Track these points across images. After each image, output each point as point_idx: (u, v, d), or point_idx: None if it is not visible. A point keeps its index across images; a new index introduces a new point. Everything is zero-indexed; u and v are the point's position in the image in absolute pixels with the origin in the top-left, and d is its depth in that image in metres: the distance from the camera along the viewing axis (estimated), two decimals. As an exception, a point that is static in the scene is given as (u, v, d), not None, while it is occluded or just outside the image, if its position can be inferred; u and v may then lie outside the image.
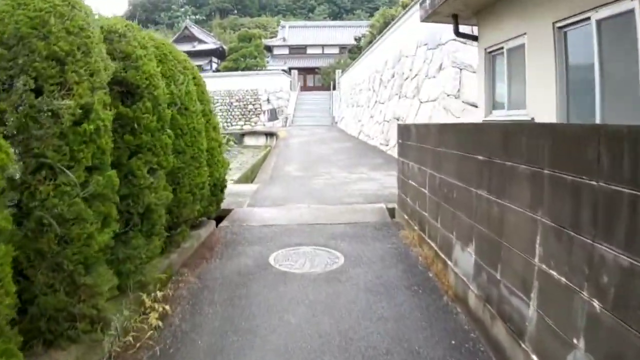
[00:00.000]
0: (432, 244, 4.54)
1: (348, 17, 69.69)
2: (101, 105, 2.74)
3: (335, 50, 48.16)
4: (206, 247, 5.26)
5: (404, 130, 5.78)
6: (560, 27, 4.37)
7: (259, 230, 5.79)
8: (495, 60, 6.09)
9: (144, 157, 3.37)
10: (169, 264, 4.42)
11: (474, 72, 11.83)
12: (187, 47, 49.25)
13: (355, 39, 38.64)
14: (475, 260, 3.31)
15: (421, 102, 12.85)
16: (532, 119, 4.78)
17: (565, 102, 4.36)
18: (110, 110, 3.00)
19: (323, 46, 51.15)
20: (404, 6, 19.61)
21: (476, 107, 11.78)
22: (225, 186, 5.78)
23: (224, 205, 7.02)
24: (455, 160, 3.70)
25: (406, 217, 5.73)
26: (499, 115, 5.93)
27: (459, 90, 11.51)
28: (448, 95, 11.44)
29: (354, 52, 36.42)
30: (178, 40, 50.83)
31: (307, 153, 15.04)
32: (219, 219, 6.43)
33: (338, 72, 36.81)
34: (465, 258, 3.54)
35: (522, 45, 5.15)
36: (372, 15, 49.73)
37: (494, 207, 2.92)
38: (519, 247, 2.54)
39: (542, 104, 4.68)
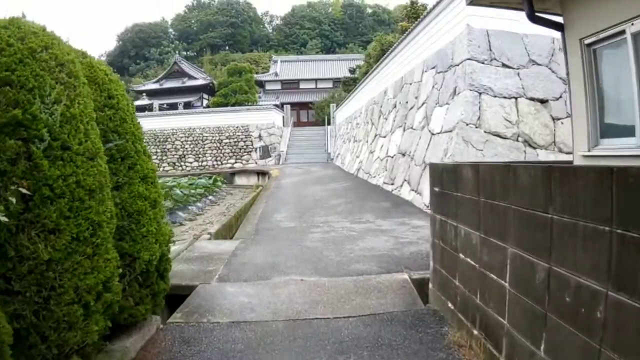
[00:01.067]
0: (521, 378, 2.53)
1: (341, 50, 69.23)
2: None
3: (329, 84, 47.14)
4: (134, 374, 3.19)
5: (446, 173, 3.74)
6: None
7: (225, 336, 3.66)
8: (602, 57, 3.98)
9: None
10: None
11: (495, 96, 10.07)
12: (177, 83, 48.11)
13: (350, 70, 37.42)
14: None
15: (432, 134, 11.03)
16: None
17: None
18: None
19: (316, 80, 50.05)
20: (403, 31, 18.09)
21: (500, 137, 10.09)
22: (168, 269, 3.69)
23: (187, 277, 5.12)
24: (607, 243, 1.71)
25: (451, 306, 3.69)
26: (619, 148, 3.78)
27: (479, 118, 9.66)
28: (467, 125, 9.57)
29: (348, 84, 35.00)
30: (167, 76, 49.76)
31: (301, 196, 13.01)
32: (174, 300, 4.45)
33: (332, 106, 35.36)
34: None
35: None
36: (365, 48, 49.03)
37: None
38: None
39: None
